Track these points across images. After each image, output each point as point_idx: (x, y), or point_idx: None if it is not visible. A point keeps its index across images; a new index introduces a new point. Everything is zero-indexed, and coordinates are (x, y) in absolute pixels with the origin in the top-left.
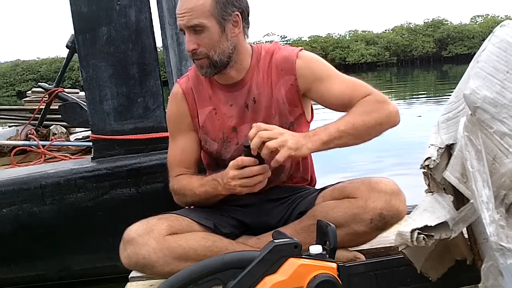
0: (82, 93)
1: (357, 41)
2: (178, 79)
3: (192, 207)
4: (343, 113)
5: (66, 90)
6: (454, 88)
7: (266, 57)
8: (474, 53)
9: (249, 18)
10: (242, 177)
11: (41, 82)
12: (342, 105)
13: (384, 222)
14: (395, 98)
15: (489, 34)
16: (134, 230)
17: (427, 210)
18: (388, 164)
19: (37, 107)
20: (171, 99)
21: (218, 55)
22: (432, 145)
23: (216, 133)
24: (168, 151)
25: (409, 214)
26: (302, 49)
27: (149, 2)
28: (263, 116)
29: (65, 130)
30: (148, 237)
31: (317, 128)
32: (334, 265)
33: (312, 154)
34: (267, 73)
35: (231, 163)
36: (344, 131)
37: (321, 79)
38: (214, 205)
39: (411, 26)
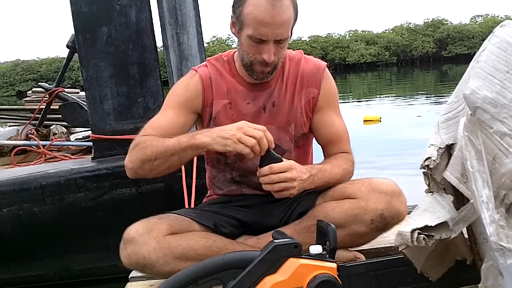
0: (83, 93)
1: (357, 41)
2: (193, 67)
3: (188, 208)
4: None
5: (66, 90)
6: (454, 88)
7: (291, 64)
8: (474, 53)
9: None
10: (250, 134)
11: (41, 82)
12: (328, 142)
13: (385, 223)
14: (395, 98)
15: (489, 34)
16: (134, 229)
17: (427, 210)
18: (388, 164)
19: (37, 107)
20: (185, 77)
21: (279, 63)
22: (432, 145)
23: None
24: (150, 120)
25: (409, 214)
26: (326, 65)
27: (149, 2)
28: (279, 122)
29: (65, 130)
30: (148, 237)
31: (319, 168)
32: (334, 265)
33: (313, 154)
34: (291, 81)
35: (250, 123)
36: (329, 182)
37: (332, 108)
38: (214, 206)
39: (411, 26)
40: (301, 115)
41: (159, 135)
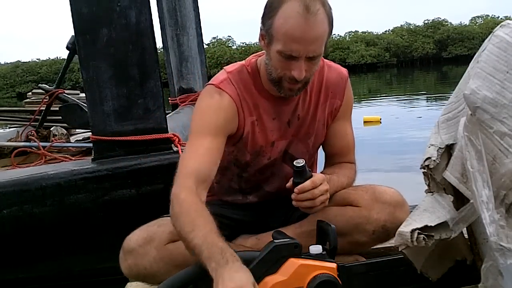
0: (83, 95)
1: (357, 42)
2: (214, 83)
3: None
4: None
5: (66, 91)
6: (453, 89)
7: (315, 73)
8: (474, 54)
9: None
10: None
11: (42, 83)
12: (336, 153)
13: (387, 233)
14: (395, 99)
15: (489, 35)
16: (134, 239)
17: (427, 210)
18: (388, 164)
19: (37, 108)
20: (212, 97)
21: (311, 79)
22: (432, 145)
23: (253, 146)
24: (186, 150)
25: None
26: (347, 71)
27: (149, 3)
28: (301, 134)
29: (65, 131)
30: (149, 247)
31: (329, 179)
32: (334, 265)
33: (317, 155)
34: (315, 91)
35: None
36: (336, 191)
37: (347, 118)
38: (214, 207)
39: (411, 27)
40: (322, 126)
41: (200, 176)
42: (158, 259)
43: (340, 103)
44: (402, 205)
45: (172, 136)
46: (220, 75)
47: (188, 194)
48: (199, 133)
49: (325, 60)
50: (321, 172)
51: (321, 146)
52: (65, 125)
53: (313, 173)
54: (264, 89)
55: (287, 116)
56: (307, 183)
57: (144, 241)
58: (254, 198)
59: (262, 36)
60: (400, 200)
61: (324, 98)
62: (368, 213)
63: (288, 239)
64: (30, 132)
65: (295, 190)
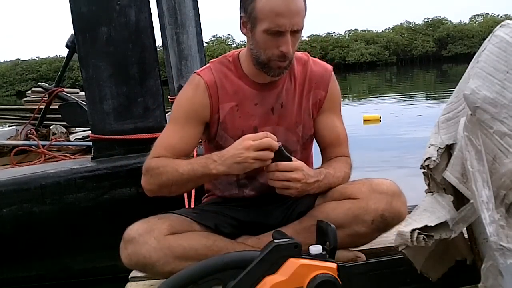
0: (82, 93)
1: (357, 41)
2: (196, 71)
3: (187, 207)
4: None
5: (66, 90)
6: (453, 88)
7: (299, 65)
8: (474, 53)
9: None
10: (260, 148)
11: (41, 81)
12: (328, 145)
13: (385, 223)
14: (395, 98)
15: (488, 33)
16: (135, 229)
17: (427, 210)
18: (388, 164)
19: (37, 107)
20: (190, 87)
21: (294, 57)
22: (432, 145)
23: (235, 131)
24: (162, 133)
25: (409, 214)
26: (332, 67)
27: (149, 2)
28: (288, 123)
29: (65, 130)
30: (148, 237)
31: (325, 173)
32: (334, 265)
33: (313, 154)
34: (300, 82)
35: (250, 135)
36: (331, 187)
37: (334, 112)
38: (214, 206)
39: (411, 26)
40: (308, 116)
41: (171, 154)
42: (157, 249)
43: (324, 94)
44: (399, 195)
45: None
46: (205, 66)
47: (161, 158)
48: (172, 121)
49: (311, 57)
50: (319, 168)
51: (314, 140)
52: (65, 123)
53: (293, 162)
54: (246, 76)
55: (271, 102)
56: (272, 165)
57: (144, 231)
58: (250, 191)
59: (243, 23)
60: (397, 190)
61: (308, 89)
62: (366, 204)
63: (288, 239)
64: (29, 131)
65: (264, 168)
